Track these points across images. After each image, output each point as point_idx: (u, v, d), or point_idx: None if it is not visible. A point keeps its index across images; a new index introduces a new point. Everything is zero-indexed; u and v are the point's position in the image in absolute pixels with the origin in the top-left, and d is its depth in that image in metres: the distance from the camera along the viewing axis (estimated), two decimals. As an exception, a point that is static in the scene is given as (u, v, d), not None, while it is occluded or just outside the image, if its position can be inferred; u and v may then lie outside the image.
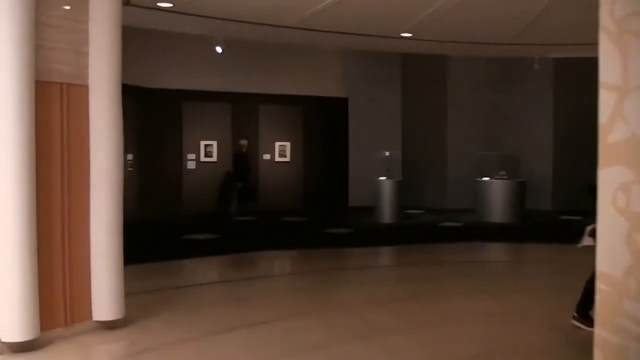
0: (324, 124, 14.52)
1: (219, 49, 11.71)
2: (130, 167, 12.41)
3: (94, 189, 4.65)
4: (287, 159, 14.30)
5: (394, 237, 10.16)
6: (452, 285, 6.54)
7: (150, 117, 13.03)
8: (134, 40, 12.27)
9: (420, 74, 14.34)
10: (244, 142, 13.03)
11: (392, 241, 9.81)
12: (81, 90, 4.63)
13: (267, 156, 13.77)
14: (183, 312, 5.25)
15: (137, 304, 5.42)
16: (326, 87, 14.40)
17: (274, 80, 13.81)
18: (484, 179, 12.23)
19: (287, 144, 14.30)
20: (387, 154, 11.98)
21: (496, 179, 12.11)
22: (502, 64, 13.78)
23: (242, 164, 12.79)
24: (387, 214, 11.64)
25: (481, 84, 14.00)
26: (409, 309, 5.45)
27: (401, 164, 12.13)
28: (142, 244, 8.89)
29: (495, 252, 9.36)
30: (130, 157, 12.36)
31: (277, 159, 14.14)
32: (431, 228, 11.08)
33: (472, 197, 12.48)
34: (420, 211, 13.15)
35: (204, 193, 13.60)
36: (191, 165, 13.68)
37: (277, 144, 14.14)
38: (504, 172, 12.13)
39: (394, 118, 14.41)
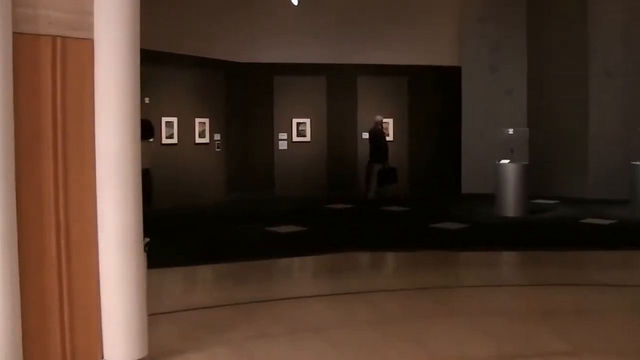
0: (432, 98, 13.51)
1: (294, 1, 10.87)
2: (218, 147, 12.27)
3: (102, 185, 3.48)
4: (390, 138, 13.31)
5: (521, 237, 8.42)
6: (634, 328, 4.34)
7: (239, 93, 12.74)
8: (219, 13, 11.79)
9: (553, 30, 12.42)
10: (379, 118, 11.99)
11: (518, 242, 8.06)
12: (83, 46, 3.46)
13: (365, 135, 12.74)
14: (232, 346, 4.04)
15: (177, 328, 4.36)
16: (435, 54, 13.33)
17: (374, 48, 12.99)
18: None
19: (390, 121, 13.42)
20: (510, 132, 10.48)
21: None
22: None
23: (378, 143, 11.64)
24: (510, 204, 10.07)
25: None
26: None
27: (528, 143, 10.47)
28: (219, 238, 8.23)
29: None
30: (217, 137, 12.48)
31: (379, 137, 12.99)
32: (571, 225, 9.18)
33: (625, 185, 10.43)
34: (554, 202, 11.45)
35: (296, 177, 13.17)
36: (283, 145, 13.26)
37: (378, 120, 13.06)
38: None
39: (518, 88, 12.94)
